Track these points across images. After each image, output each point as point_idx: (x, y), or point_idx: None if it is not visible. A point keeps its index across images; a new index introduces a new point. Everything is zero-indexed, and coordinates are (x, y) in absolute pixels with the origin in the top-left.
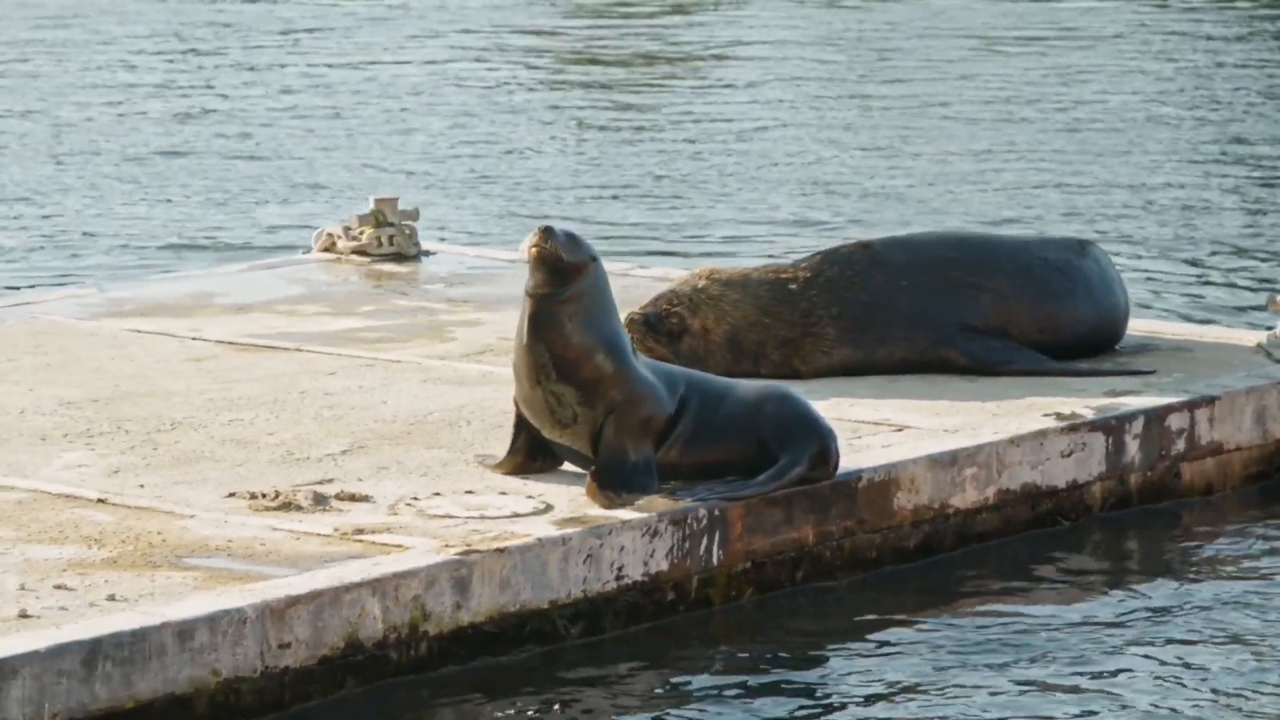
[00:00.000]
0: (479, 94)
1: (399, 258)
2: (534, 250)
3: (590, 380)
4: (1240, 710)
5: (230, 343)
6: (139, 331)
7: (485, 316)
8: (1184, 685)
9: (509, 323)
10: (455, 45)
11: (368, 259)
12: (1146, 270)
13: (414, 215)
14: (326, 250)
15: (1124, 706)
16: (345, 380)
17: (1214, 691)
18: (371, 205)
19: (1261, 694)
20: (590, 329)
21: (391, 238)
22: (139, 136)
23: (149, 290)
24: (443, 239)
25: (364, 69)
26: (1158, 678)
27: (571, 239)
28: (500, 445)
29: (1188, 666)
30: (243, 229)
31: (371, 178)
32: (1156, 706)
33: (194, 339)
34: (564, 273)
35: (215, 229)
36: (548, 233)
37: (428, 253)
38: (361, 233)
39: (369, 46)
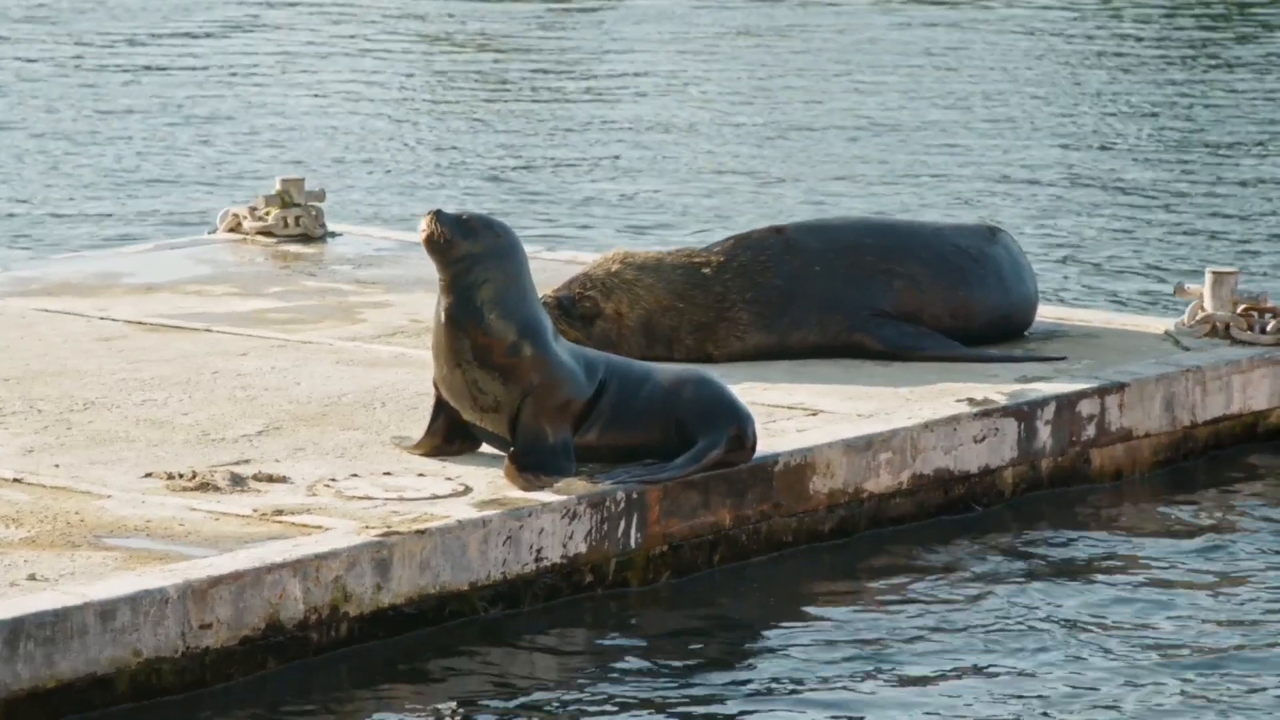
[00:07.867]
0: (384, 75)
1: (305, 238)
2: (423, 234)
3: (508, 365)
4: (1144, 688)
5: (139, 323)
6: (46, 311)
7: (394, 298)
8: (1089, 669)
9: (419, 305)
10: (360, 27)
11: (274, 240)
12: (1055, 256)
13: (320, 196)
14: (232, 231)
15: (1027, 688)
16: (257, 361)
17: (1119, 674)
18: (278, 186)
19: (1167, 676)
20: (508, 313)
21: (298, 218)
22: (37, 117)
23: (54, 269)
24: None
25: (269, 49)
26: (1063, 659)
27: (467, 221)
28: (415, 427)
29: (1093, 648)
30: (147, 209)
31: (277, 158)
32: (1061, 688)
33: (102, 319)
34: (456, 257)
35: (118, 209)
36: (436, 216)
37: (334, 234)
38: (267, 213)
39: (275, 28)
